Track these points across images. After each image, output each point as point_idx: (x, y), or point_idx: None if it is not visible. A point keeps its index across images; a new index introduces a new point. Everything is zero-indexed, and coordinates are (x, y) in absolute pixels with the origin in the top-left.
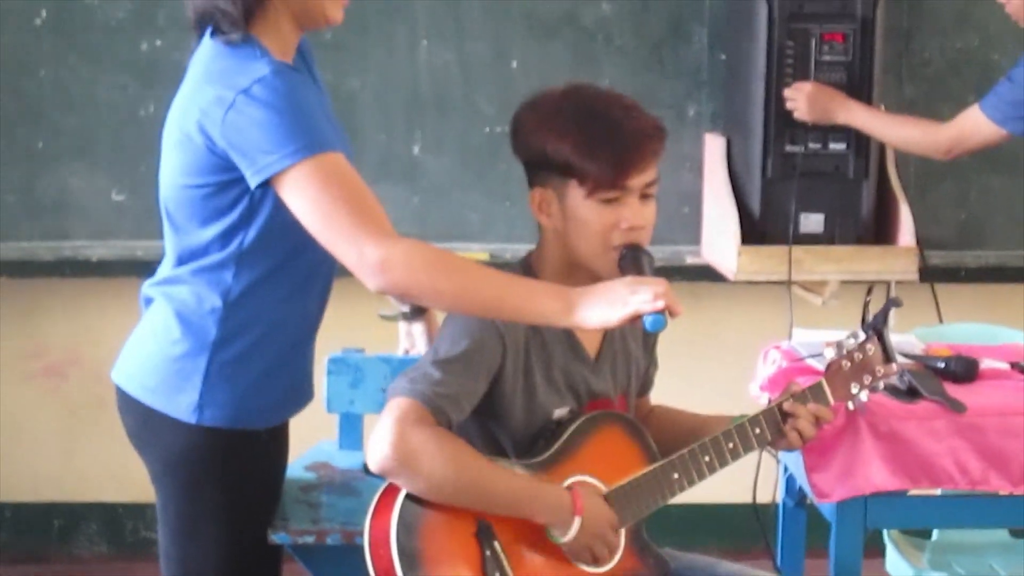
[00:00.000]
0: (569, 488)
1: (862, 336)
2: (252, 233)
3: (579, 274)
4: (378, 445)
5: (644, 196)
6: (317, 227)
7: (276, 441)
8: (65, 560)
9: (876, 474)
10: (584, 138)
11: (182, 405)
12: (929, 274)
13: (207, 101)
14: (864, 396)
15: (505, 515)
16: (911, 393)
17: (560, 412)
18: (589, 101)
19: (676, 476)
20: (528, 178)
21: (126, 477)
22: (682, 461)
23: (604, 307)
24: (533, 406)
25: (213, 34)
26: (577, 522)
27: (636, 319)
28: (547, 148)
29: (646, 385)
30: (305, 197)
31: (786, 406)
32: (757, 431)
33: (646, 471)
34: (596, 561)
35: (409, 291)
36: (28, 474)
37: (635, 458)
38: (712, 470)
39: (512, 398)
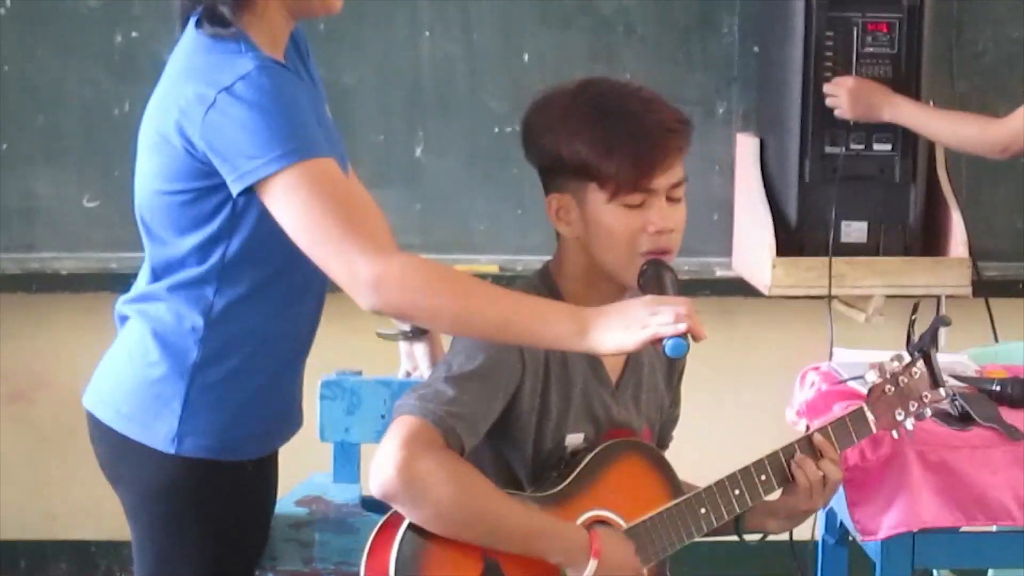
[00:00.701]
0: (588, 527)
1: (907, 358)
2: (235, 244)
3: (604, 285)
4: (382, 467)
5: (672, 199)
6: (305, 240)
7: (263, 473)
8: None
9: (925, 508)
10: (600, 136)
11: (160, 434)
12: (983, 288)
13: (186, 100)
14: (910, 424)
15: (516, 552)
16: (964, 419)
17: (574, 439)
18: (604, 95)
19: (703, 511)
20: (543, 184)
21: (99, 512)
22: (710, 495)
23: (621, 330)
24: (548, 431)
25: (197, 25)
26: (592, 565)
27: (656, 343)
28: (561, 150)
29: (664, 433)
30: (291, 206)
31: (816, 439)
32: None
33: (671, 504)
34: None
35: (405, 312)
36: None
37: (658, 491)
38: (743, 505)
39: (527, 421)
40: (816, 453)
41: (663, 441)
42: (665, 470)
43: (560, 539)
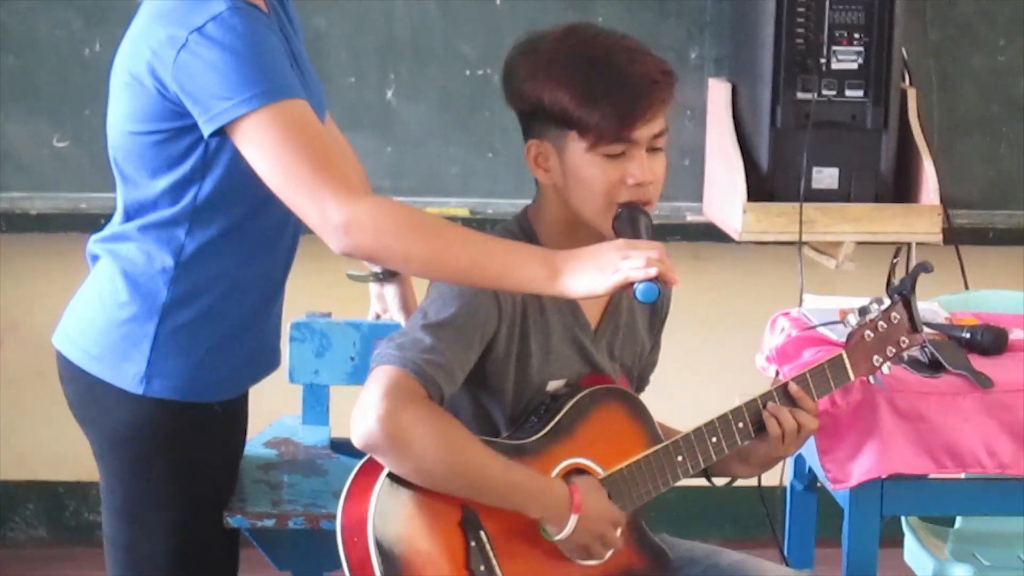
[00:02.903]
0: (567, 476)
1: (887, 302)
2: (208, 186)
3: (582, 232)
4: (364, 418)
5: (652, 149)
6: (276, 181)
7: (233, 415)
8: None
9: (895, 456)
10: (584, 86)
11: (128, 374)
12: (954, 236)
13: (158, 41)
14: (887, 369)
15: (497, 506)
16: (934, 367)
17: (555, 384)
18: (588, 43)
19: (680, 459)
20: (523, 129)
21: (67, 454)
22: (687, 443)
23: (593, 274)
24: (527, 376)
25: None
26: (573, 520)
27: (627, 287)
28: (543, 97)
29: (642, 379)
30: (263, 148)
31: (792, 389)
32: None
33: (647, 453)
34: (590, 557)
35: (376, 255)
36: None
37: (636, 439)
38: (720, 452)
39: (505, 366)
40: (792, 401)
41: (641, 385)
42: (644, 418)
43: (541, 494)
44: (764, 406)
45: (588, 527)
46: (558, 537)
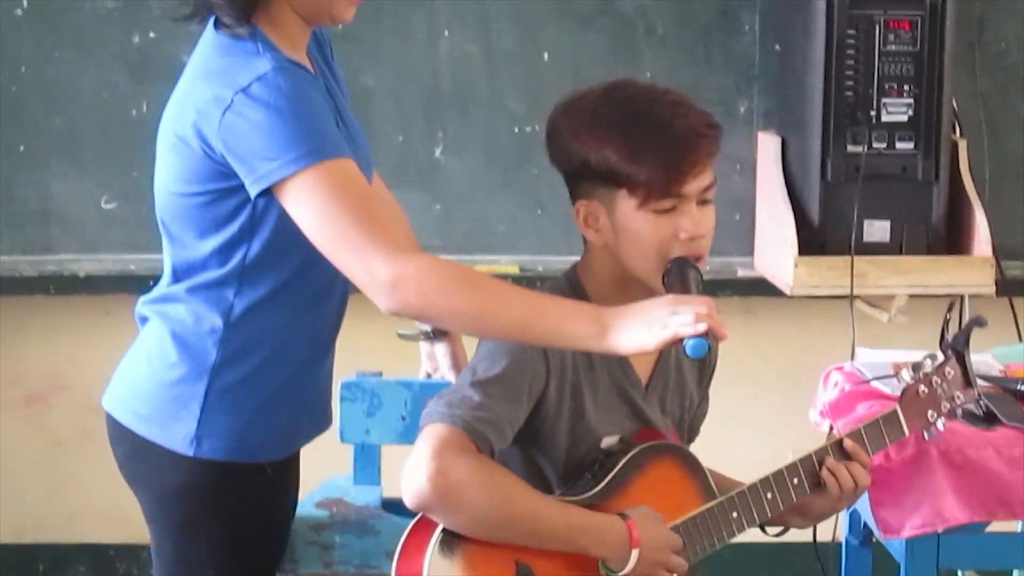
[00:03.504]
0: (625, 517)
1: (941, 358)
2: (256, 246)
3: (632, 289)
4: (415, 478)
5: (702, 202)
6: (323, 241)
7: (283, 475)
8: None
9: (950, 508)
10: (630, 142)
11: (178, 435)
12: (1007, 287)
13: (204, 101)
14: (941, 424)
15: (555, 549)
16: (988, 419)
17: (610, 441)
18: (632, 99)
19: (735, 515)
20: (570, 190)
21: (117, 515)
22: (743, 499)
23: (642, 330)
24: (580, 432)
25: (215, 25)
26: (635, 555)
27: (677, 343)
28: (590, 156)
29: (693, 427)
30: (309, 208)
31: (847, 444)
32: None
33: (703, 509)
34: None
35: (424, 313)
36: (9, 513)
37: (691, 495)
38: (775, 509)
39: (556, 423)
40: (846, 456)
41: (691, 436)
42: (698, 474)
43: (599, 532)
44: (820, 462)
45: (649, 557)
46: (622, 574)
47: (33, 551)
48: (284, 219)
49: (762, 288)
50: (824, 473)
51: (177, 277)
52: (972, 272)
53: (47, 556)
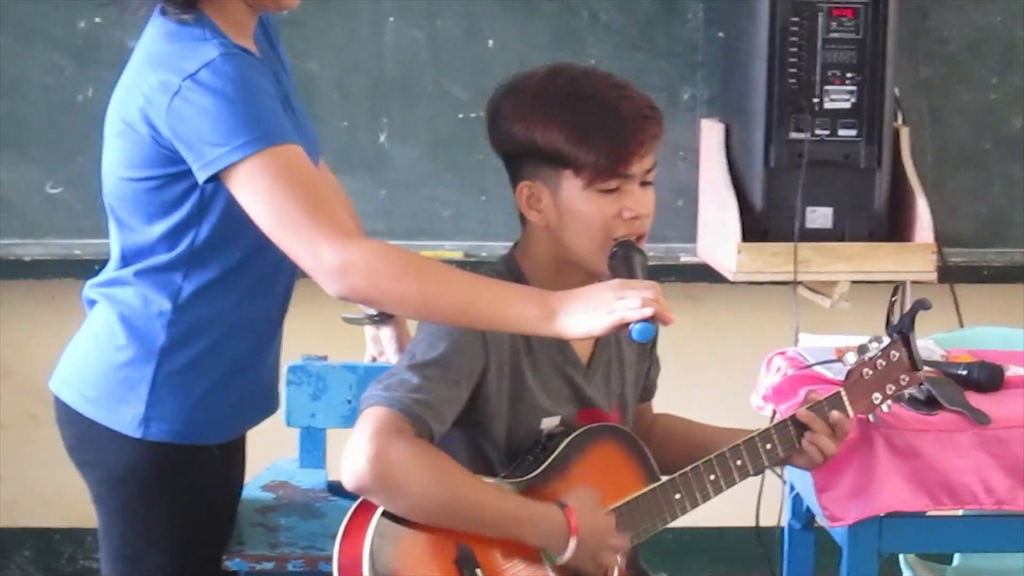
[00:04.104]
0: (563, 505)
1: (886, 340)
2: (204, 231)
3: (571, 272)
4: (354, 460)
5: (644, 183)
6: (270, 227)
7: (230, 458)
8: None
9: (892, 493)
10: (577, 124)
11: (126, 418)
12: (948, 274)
13: (151, 87)
14: (886, 407)
15: (493, 537)
16: (930, 404)
17: (550, 422)
18: (576, 81)
19: (678, 496)
20: (510, 172)
21: (63, 499)
22: (685, 480)
23: (588, 314)
24: (521, 414)
25: (161, 11)
26: (572, 544)
27: (623, 327)
28: (535, 137)
29: (648, 389)
30: (257, 193)
31: (801, 415)
32: (768, 447)
33: (645, 491)
34: (599, 572)
35: (370, 298)
36: None
37: (633, 476)
38: (718, 490)
39: (497, 405)
40: (800, 431)
41: (648, 395)
42: (641, 456)
43: (537, 522)
44: (763, 444)
45: (589, 542)
46: (561, 561)
47: None
48: (232, 204)
49: (705, 274)
50: (806, 444)
51: (125, 261)
52: (914, 259)
53: None
